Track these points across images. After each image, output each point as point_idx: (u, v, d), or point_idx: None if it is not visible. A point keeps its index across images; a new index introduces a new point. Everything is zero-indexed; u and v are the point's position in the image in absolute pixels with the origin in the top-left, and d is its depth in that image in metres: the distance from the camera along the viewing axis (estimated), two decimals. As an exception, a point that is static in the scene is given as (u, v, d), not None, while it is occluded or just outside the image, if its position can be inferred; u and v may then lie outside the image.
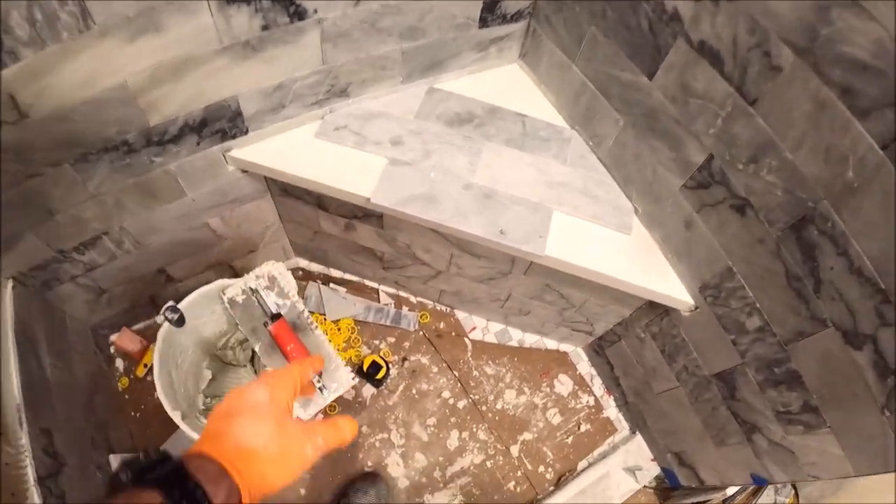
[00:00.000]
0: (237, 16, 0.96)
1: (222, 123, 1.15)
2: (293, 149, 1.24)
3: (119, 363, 1.56)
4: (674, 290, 1.21)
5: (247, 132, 1.21)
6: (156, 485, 0.41)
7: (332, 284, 1.66)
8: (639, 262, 1.21)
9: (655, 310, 1.34)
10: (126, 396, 1.51)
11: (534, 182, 1.24)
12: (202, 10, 0.91)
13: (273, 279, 1.25)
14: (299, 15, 1.03)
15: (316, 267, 1.73)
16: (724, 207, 1.05)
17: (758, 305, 1.06)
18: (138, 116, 1.02)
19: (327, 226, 1.47)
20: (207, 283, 1.28)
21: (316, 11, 1.04)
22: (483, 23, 1.26)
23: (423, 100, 1.32)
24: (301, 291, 1.63)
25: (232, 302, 1.23)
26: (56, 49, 0.83)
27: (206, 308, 1.32)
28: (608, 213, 1.23)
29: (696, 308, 1.21)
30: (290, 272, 1.25)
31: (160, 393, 1.19)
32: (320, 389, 1.14)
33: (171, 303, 1.21)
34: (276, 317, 1.17)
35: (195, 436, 1.16)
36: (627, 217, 1.24)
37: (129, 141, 1.05)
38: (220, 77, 1.05)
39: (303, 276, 1.67)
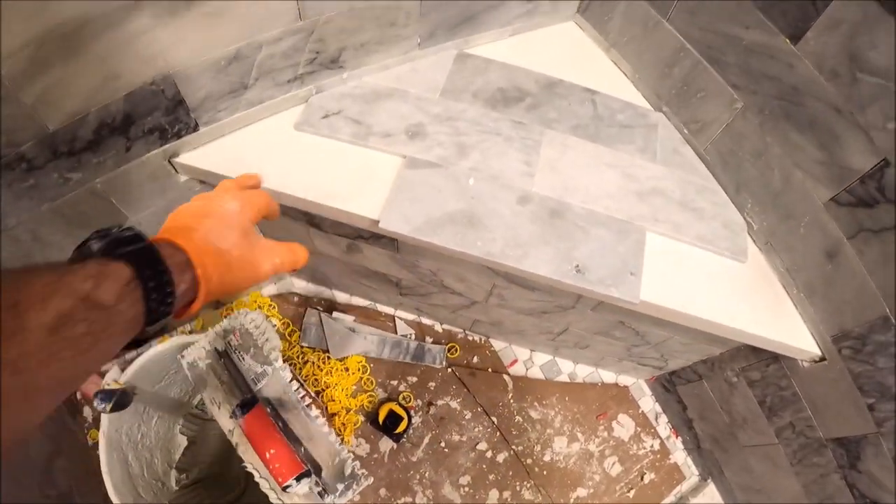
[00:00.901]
0: None
1: (157, 118, 0.75)
2: (264, 148, 0.83)
3: (88, 412, 1.15)
4: (794, 335, 0.83)
5: (196, 128, 0.81)
6: (127, 260, 0.36)
7: (335, 313, 1.21)
8: (751, 298, 0.82)
9: (759, 354, 0.95)
10: (97, 451, 1.09)
11: (618, 191, 0.81)
12: None
13: (247, 335, 0.82)
14: None
15: (316, 289, 1.28)
16: (890, 235, 0.69)
17: None
18: (28, 119, 0.63)
19: (324, 246, 1.04)
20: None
21: None
22: None
23: (451, 70, 0.88)
24: (297, 322, 1.20)
25: (192, 366, 0.82)
26: None
27: (164, 368, 0.92)
28: (717, 233, 0.82)
29: (823, 360, 0.83)
30: (270, 323, 0.83)
31: (109, 487, 0.83)
32: (320, 495, 0.75)
33: (104, 387, 0.80)
34: (246, 406, 0.76)
35: None
36: (741, 238, 0.84)
37: (27, 155, 0.67)
38: (139, 47, 0.66)
39: (299, 303, 1.22)
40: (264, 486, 0.74)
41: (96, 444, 1.12)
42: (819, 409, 0.90)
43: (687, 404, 1.20)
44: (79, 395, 1.19)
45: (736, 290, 0.82)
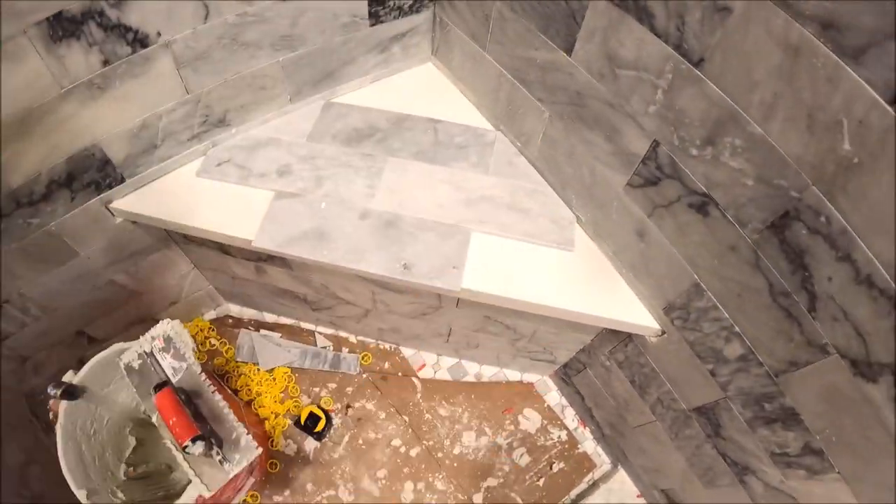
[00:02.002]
0: (69, 55, 0.75)
1: (92, 174, 0.92)
2: (175, 192, 0.97)
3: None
4: (633, 313, 0.88)
5: (122, 180, 0.96)
6: None
7: (263, 331, 1.33)
8: (586, 283, 0.88)
9: (618, 335, 0.99)
10: None
11: (447, 201, 0.91)
12: (29, 54, 0.71)
13: (169, 340, 0.95)
14: (141, 42, 0.80)
15: (248, 312, 1.41)
16: (681, 207, 0.75)
17: (737, 329, 0.75)
18: None
19: (240, 271, 1.16)
20: (130, 339, 1.01)
21: (160, 35, 0.80)
22: (375, 18, 0.96)
23: (317, 118, 1.01)
24: (232, 341, 1.32)
25: (129, 368, 0.95)
26: None
27: (112, 373, 1.05)
28: (544, 229, 0.90)
29: (664, 333, 0.88)
30: (185, 330, 0.96)
31: (63, 468, 0.94)
32: (220, 462, 0.85)
33: (56, 381, 0.95)
34: (159, 387, 0.89)
35: None
36: (568, 230, 0.91)
37: None
38: (71, 125, 0.83)
39: (234, 324, 1.35)
40: (172, 449, 0.87)
41: None
42: (675, 382, 0.94)
43: (583, 394, 1.23)
44: (51, 415, 1.34)
45: (569, 276, 0.89)
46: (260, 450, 0.87)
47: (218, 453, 0.87)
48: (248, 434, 0.88)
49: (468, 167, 0.95)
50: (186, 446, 0.82)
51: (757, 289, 0.68)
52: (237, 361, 1.27)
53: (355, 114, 1.01)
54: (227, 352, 1.30)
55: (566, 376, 1.26)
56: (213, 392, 0.92)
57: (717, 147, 0.64)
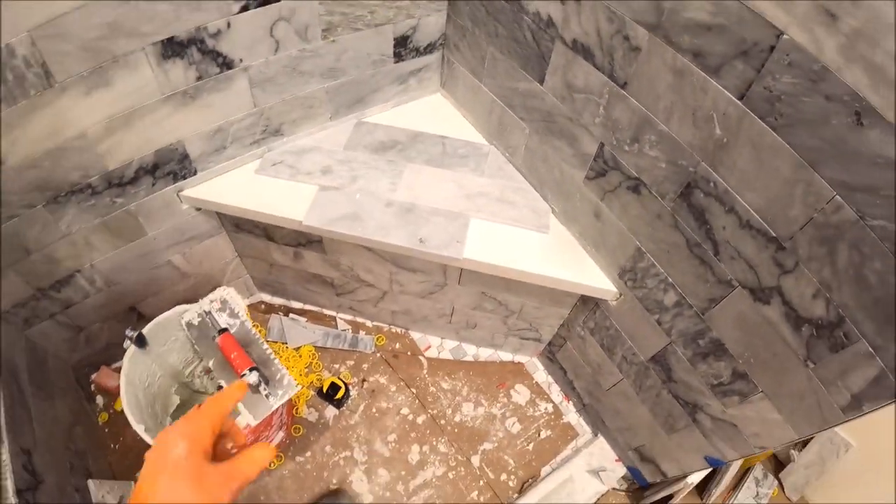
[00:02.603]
0: (174, 69, 1.02)
1: (172, 165, 1.19)
2: (237, 185, 1.26)
3: (99, 399, 1.53)
4: (596, 280, 1.15)
5: (195, 172, 1.24)
6: None
7: (292, 315, 1.62)
8: (559, 257, 1.16)
9: (588, 305, 1.27)
10: (106, 430, 1.47)
11: (452, 195, 1.21)
12: (143, 65, 0.98)
13: (224, 302, 1.23)
14: (227, 65, 1.08)
15: (277, 300, 1.69)
16: (622, 190, 1.04)
17: (670, 280, 1.02)
18: (98, 162, 1.08)
19: (279, 257, 1.45)
20: (178, 320, 1.28)
21: (241, 61, 1.10)
22: (398, 57, 1.29)
23: (351, 133, 1.33)
24: (264, 324, 1.60)
25: (189, 325, 1.22)
26: (25, 104, 0.91)
27: (169, 334, 1.29)
28: (526, 216, 1.20)
29: (620, 295, 1.15)
30: (239, 295, 1.25)
31: (125, 406, 1.14)
32: (267, 396, 1.10)
33: (132, 327, 1.23)
34: (222, 331, 1.16)
35: (150, 439, 1.12)
36: (545, 218, 1.20)
37: (93, 184, 1.11)
38: (165, 124, 1.11)
39: (265, 310, 1.63)
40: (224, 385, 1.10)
41: (104, 424, 1.49)
42: (633, 337, 1.19)
43: (565, 368, 1.48)
44: (92, 387, 1.55)
45: (545, 252, 1.16)
46: (300, 386, 1.13)
47: (265, 389, 1.12)
48: (289, 374, 1.15)
49: (468, 171, 1.26)
50: (244, 374, 1.08)
51: (678, 244, 0.95)
52: (268, 340, 1.54)
53: (380, 131, 1.33)
54: (259, 332, 1.56)
55: (551, 354, 1.52)
56: (261, 342, 1.19)
57: (640, 143, 0.93)
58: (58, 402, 1.35)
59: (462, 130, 1.36)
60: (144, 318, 1.53)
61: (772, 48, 0.67)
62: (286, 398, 1.11)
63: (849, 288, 0.71)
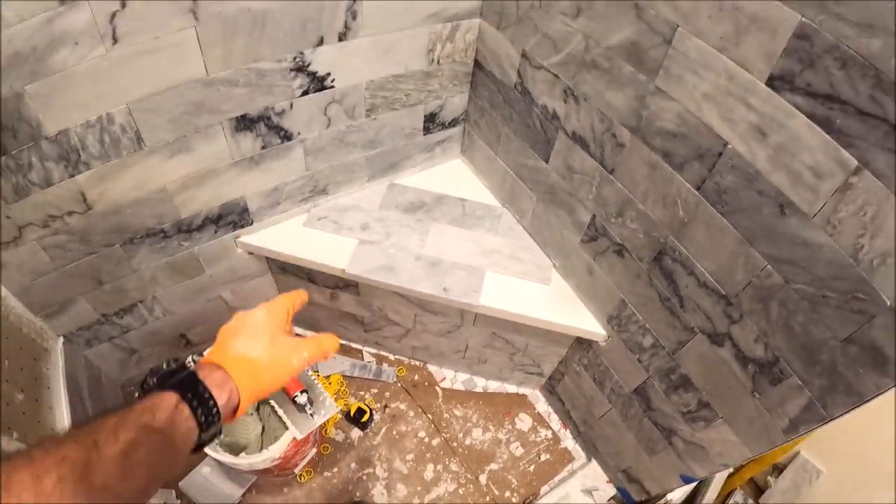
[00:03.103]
0: (244, 140, 1.27)
1: (233, 216, 1.44)
2: (287, 235, 1.52)
3: None
4: (589, 324, 1.41)
5: (252, 223, 1.50)
6: (173, 388, 0.50)
7: None
8: (559, 305, 1.43)
9: (582, 345, 1.53)
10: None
11: (471, 251, 1.49)
12: (220, 136, 1.22)
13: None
14: (287, 137, 1.34)
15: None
16: (610, 253, 1.27)
17: (648, 326, 1.25)
18: (172, 212, 1.31)
19: (317, 297, 1.72)
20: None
21: (299, 134, 1.35)
22: (427, 131, 1.58)
23: (384, 194, 1.62)
24: None
25: None
26: (117, 162, 1.13)
27: None
28: (532, 270, 1.48)
29: (609, 337, 1.40)
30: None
31: None
32: (311, 415, 1.36)
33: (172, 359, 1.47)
34: None
35: (212, 452, 1.35)
36: (547, 272, 1.48)
37: (165, 229, 1.34)
38: (232, 183, 1.35)
39: None
40: (275, 405, 1.34)
41: None
42: (619, 372, 1.43)
43: (563, 399, 1.74)
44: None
45: (547, 300, 1.42)
46: (339, 408, 1.40)
47: (310, 408, 1.38)
48: (330, 397, 1.41)
49: (484, 231, 1.54)
50: (296, 397, 1.34)
51: (653, 298, 1.18)
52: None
53: (410, 192, 1.62)
54: None
55: (551, 387, 1.78)
56: (306, 370, 1.46)
57: (623, 217, 1.16)
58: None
59: (479, 194, 1.66)
60: (191, 345, 1.79)
61: (720, 154, 0.89)
62: (327, 417, 1.37)
63: (780, 335, 0.91)
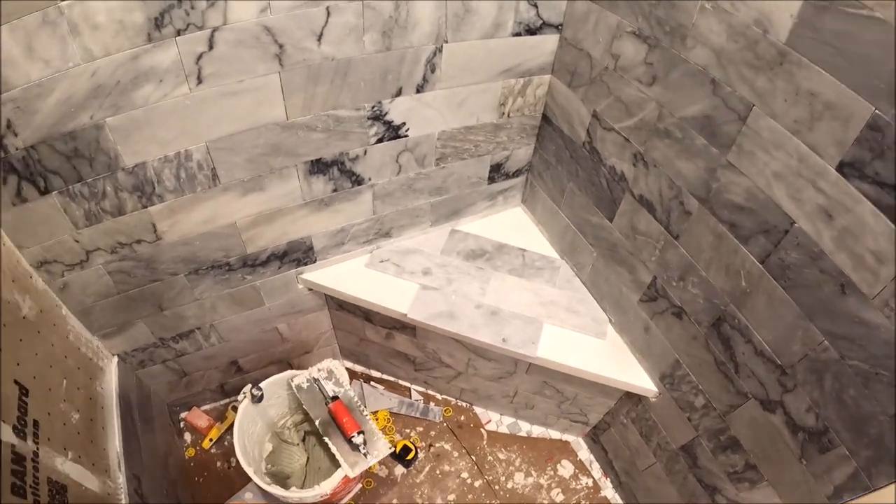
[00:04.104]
0: (316, 182, 1.40)
1: (298, 254, 1.58)
2: (349, 275, 1.67)
3: (187, 436, 1.90)
4: (642, 381, 1.53)
5: (315, 261, 1.64)
6: None
7: (372, 383, 2.04)
8: (613, 360, 1.55)
9: (632, 399, 1.65)
10: (191, 464, 1.83)
11: (530, 302, 1.63)
12: (293, 178, 1.35)
13: (331, 372, 1.66)
14: (358, 182, 1.48)
15: (359, 368, 2.10)
16: (668, 314, 1.38)
17: (700, 387, 1.35)
18: (240, 246, 1.43)
19: (371, 334, 1.86)
20: (267, 376, 1.65)
21: (370, 179, 1.49)
22: (491, 180, 1.73)
23: (447, 239, 1.77)
24: None
25: (298, 388, 1.63)
26: (191, 197, 1.24)
27: (274, 392, 1.68)
28: (588, 324, 1.62)
29: (660, 394, 1.52)
30: (344, 368, 1.68)
31: (238, 453, 1.49)
32: (365, 455, 1.51)
33: (256, 385, 1.58)
34: (334, 398, 1.58)
35: (263, 485, 1.46)
36: (603, 326, 1.61)
37: (230, 263, 1.46)
38: (300, 223, 1.48)
39: (348, 376, 2.04)
40: (329, 443, 1.47)
41: (191, 459, 1.83)
42: (668, 428, 1.53)
43: (607, 449, 1.86)
44: (182, 424, 1.90)
45: (601, 355, 1.55)
46: (392, 448, 1.54)
47: (363, 448, 1.53)
48: (384, 438, 1.56)
49: (543, 282, 1.68)
50: (352, 437, 1.48)
51: (708, 361, 1.28)
52: (351, 403, 1.96)
53: (471, 239, 1.77)
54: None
55: (595, 436, 1.91)
56: (361, 408, 1.61)
57: (685, 282, 1.27)
58: (157, 435, 1.69)
59: (538, 244, 1.81)
60: (242, 371, 1.93)
61: (786, 231, 0.98)
62: (380, 457, 1.51)
63: (832, 406, 0.99)
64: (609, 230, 1.49)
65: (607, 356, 1.57)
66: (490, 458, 1.92)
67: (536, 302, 1.66)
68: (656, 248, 1.34)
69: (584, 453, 1.99)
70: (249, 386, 1.59)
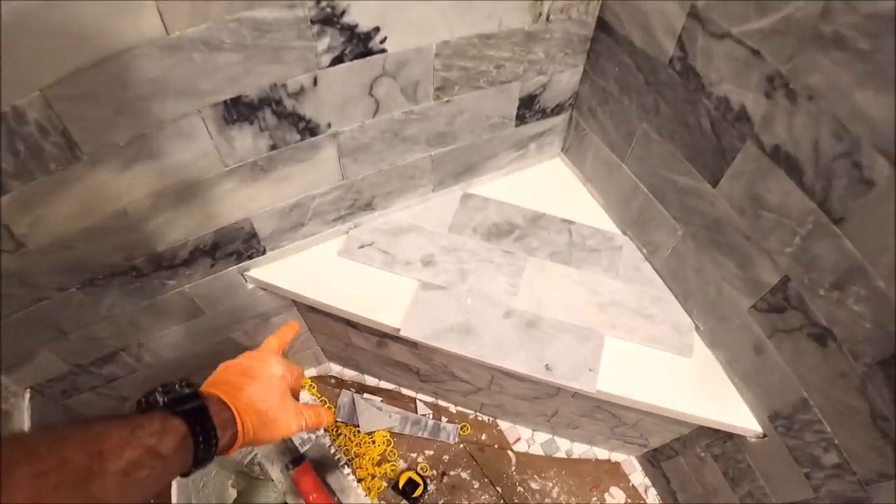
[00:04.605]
0: (240, 137, 0.96)
1: (236, 245, 1.17)
2: (314, 269, 1.23)
3: None
4: (739, 416, 1.14)
5: (264, 252, 1.22)
6: (184, 417, 0.53)
7: (366, 394, 1.62)
8: (700, 387, 1.14)
9: (717, 433, 1.26)
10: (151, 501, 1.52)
11: (583, 304, 1.18)
12: (200, 131, 0.92)
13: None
14: (311, 131, 1.03)
15: (349, 373, 1.70)
16: (802, 335, 0.99)
17: (836, 441, 1.00)
18: (143, 243, 1.05)
19: (359, 341, 1.43)
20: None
21: (330, 125, 1.04)
22: (520, 120, 1.24)
23: (457, 208, 1.28)
24: (333, 399, 1.59)
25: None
26: (45, 180, 0.84)
27: None
28: (666, 335, 1.16)
29: (765, 436, 1.14)
30: (317, 400, 1.24)
31: None
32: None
33: None
34: (296, 460, 1.16)
35: None
36: (688, 337, 1.17)
37: (138, 266, 1.08)
38: (228, 200, 1.06)
39: (336, 384, 1.63)
40: None
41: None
42: (769, 479, 1.19)
43: (670, 478, 1.51)
44: None
45: (685, 381, 1.13)
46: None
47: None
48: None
49: (600, 271, 1.21)
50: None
51: (859, 410, 0.91)
52: (336, 421, 1.55)
53: (492, 207, 1.27)
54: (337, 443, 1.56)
55: (654, 459, 1.54)
56: (341, 466, 1.19)
57: (843, 292, 0.87)
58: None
59: (590, 213, 1.32)
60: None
61: None
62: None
63: None
64: (710, 199, 1.06)
65: (693, 382, 1.16)
66: (520, 487, 1.54)
67: (592, 302, 1.19)
68: (797, 235, 0.93)
69: (638, 476, 1.62)
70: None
